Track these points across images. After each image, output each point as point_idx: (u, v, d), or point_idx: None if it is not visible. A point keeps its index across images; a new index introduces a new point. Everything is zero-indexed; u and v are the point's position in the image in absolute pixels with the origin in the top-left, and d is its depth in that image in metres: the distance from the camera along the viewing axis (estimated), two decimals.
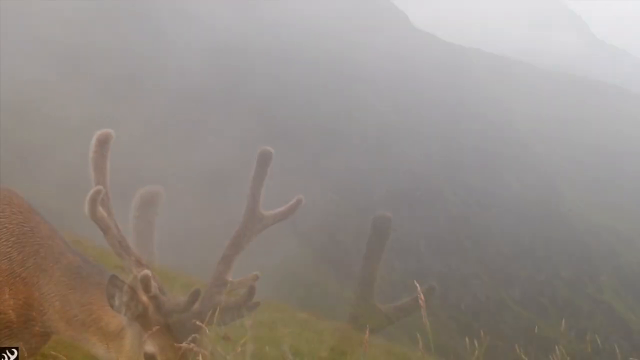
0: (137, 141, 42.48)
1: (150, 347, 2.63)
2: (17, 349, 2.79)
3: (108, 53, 50.45)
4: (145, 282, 2.57)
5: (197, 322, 2.67)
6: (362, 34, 78.15)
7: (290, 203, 2.85)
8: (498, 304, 54.82)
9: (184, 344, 2.66)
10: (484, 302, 54.24)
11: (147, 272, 2.57)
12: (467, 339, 3.30)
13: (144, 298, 2.70)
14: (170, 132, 45.98)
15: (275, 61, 62.98)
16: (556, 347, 3.24)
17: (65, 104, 41.85)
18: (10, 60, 40.41)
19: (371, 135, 62.22)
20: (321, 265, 43.24)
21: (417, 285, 2.77)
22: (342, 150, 57.29)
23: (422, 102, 71.38)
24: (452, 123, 72.59)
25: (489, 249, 61.44)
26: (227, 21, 63.69)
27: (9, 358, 2.75)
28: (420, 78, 75.17)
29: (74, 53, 47.76)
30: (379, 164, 59.42)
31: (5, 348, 2.76)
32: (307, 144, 55.47)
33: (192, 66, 55.12)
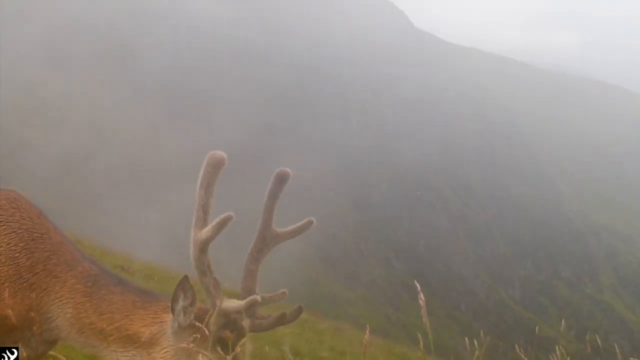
0: (140, 131, 42.51)
1: None
2: (17, 349, 2.78)
3: (109, 43, 50.54)
4: (251, 305, 2.64)
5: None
6: (363, 33, 78.18)
7: (302, 223, 2.94)
8: (498, 304, 54.87)
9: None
10: (484, 302, 54.28)
11: (257, 297, 2.63)
12: (467, 339, 3.31)
13: (199, 305, 2.73)
14: (171, 121, 45.98)
15: (275, 62, 63.00)
16: (556, 347, 3.24)
17: (66, 96, 41.89)
18: (7, 56, 40.51)
19: (371, 135, 62.27)
20: (321, 265, 43.26)
21: (417, 285, 2.77)
22: (342, 150, 57.31)
23: (422, 102, 71.44)
24: (452, 123, 72.65)
25: (489, 249, 61.49)
26: (231, 22, 63.72)
27: (9, 358, 2.75)
28: (420, 78, 75.21)
29: (75, 46, 47.86)
30: (379, 164, 59.47)
31: (5, 348, 2.76)
32: (307, 143, 55.49)
33: (196, 64, 55.20)
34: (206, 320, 2.68)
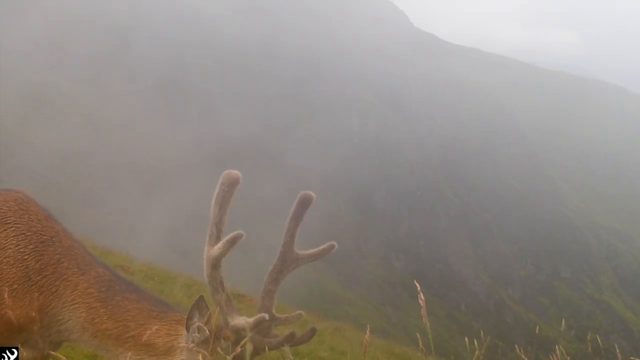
0: (140, 128, 42.51)
1: None
2: (17, 349, 2.78)
3: (109, 34, 50.56)
4: (258, 324, 2.68)
5: (199, 324, 2.69)
6: (363, 33, 78.18)
7: (324, 247, 2.97)
8: (498, 304, 54.88)
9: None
10: (484, 302, 54.29)
11: (264, 315, 2.66)
12: (467, 339, 3.31)
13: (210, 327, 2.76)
14: (171, 119, 45.98)
15: (274, 62, 62.99)
16: (556, 347, 3.25)
17: (64, 95, 41.88)
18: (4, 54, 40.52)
19: (371, 135, 62.28)
20: (321, 265, 43.29)
21: (417, 285, 2.78)
22: (342, 150, 57.32)
23: (422, 102, 71.45)
24: (452, 123, 72.67)
25: (489, 249, 61.50)
26: (232, 20, 63.73)
27: (8, 358, 2.75)
28: (420, 78, 75.21)
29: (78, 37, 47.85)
30: (379, 164, 59.47)
31: (5, 348, 2.75)
32: (306, 143, 55.50)
33: (196, 62, 55.23)
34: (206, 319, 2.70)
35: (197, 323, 2.68)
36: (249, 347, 2.66)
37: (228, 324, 2.74)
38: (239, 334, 2.71)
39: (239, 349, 2.61)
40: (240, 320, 2.72)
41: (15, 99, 37.40)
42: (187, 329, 2.68)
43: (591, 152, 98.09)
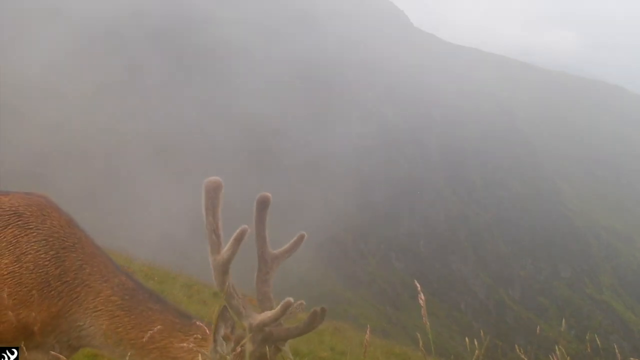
0: (140, 120, 42.50)
1: None
2: (17, 349, 2.78)
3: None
4: (286, 308, 2.68)
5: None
6: (362, 33, 78.15)
7: (295, 239, 3.04)
8: (498, 304, 54.86)
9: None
10: (484, 302, 54.27)
11: (290, 299, 2.67)
12: (467, 339, 3.31)
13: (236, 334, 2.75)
14: (171, 113, 46.00)
15: (274, 61, 62.98)
16: (556, 347, 3.25)
17: (60, 92, 41.90)
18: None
19: (371, 135, 62.26)
20: (321, 265, 43.26)
21: (417, 285, 2.78)
22: (341, 150, 57.30)
23: (422, 102, 71.43)
24: (452, 123, 72.63)
25: (489, 249, 61.48)
26: (231, 21, 63.74)
27: (9, 358, 2.75)
28: (420, 78, 75.18)
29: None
30: (379, 164, 59.45)
31: (5, 348, 2.74)
32: (306, 144, 55.49)
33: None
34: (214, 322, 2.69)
35: (223, 334, 2.67)
36: (249, 347, 2.66)
37: (251, 326, 2.73)
38: (263, 330, 2.72)
39: (239, 349, 2.61)
40: (266, 315, 2.72)
41: (13, 97, 37.38)
42: (215, 341, 2.67)
43: (591, 152, 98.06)
